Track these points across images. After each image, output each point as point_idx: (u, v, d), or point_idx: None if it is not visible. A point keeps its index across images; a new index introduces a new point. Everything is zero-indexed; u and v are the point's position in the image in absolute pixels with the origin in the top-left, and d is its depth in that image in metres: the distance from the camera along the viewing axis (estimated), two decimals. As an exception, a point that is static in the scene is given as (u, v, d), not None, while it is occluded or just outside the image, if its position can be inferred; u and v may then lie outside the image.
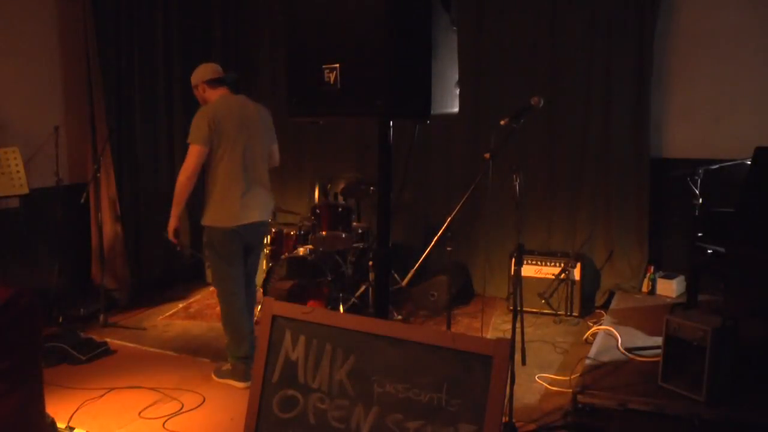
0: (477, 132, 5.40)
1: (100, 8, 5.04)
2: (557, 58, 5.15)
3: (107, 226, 5.14)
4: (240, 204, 3.71)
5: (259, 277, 5.25)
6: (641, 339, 3.94)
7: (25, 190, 4.44)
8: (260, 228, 3.93)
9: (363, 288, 4.99)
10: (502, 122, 3.05)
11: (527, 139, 5.09)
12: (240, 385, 3.80)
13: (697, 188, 4.00)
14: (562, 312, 4.93)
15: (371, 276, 4.81)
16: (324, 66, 2.24)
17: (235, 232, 3.72)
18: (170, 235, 3.79)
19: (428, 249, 3.28)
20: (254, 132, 3.81)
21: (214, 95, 3.80)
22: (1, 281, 1.36)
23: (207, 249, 3.83)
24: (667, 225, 5.06)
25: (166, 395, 3.64)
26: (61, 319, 4.65)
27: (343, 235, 4.71)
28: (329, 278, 4.60)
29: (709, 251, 3.75)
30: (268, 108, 4.01)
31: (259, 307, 4.70)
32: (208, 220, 3.74)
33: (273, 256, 5.07)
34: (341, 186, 5.13)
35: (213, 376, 3.92)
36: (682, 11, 4.90)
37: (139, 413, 3.43)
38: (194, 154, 3.64)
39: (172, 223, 3.76)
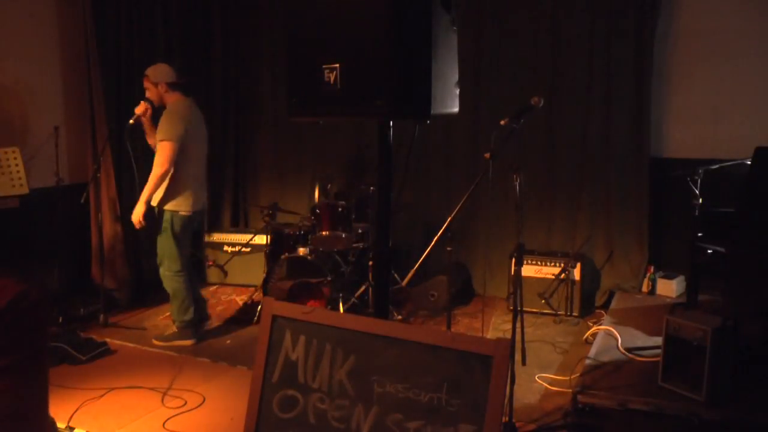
0: (477, 132, 5.40)
1: (100, 8, 5.04)
2: (557, 58, 5.15)
3: (107, 226, 5.14)
4: (197, 193, 4.35)
5: (259, 277, 5.27)
6: (641, 339, 3.94)
7: (25, 190, 4.43)
8: (203, 211, 4.69)
9: (363, 288, 4.99)
10: (502, 122, 3.05)
11: (527, 139, 5.09)
12: (188, 342, 4.37)
13: (697, 188, 4.00)
14: (562, 312, 4.93)
15: (371, 276, 4.81)
16: (324, 66, 2.24)
17: (191, 217, 4.33)
18: (137, 220, 4.20)
19: (428, 249, 3.28)
20: (205, 132, 4.47)
21: (172, 98, 4.25)
22: (15, 276, 1.38)
23: (164, 232, 4.30)
24: (667, 225, 5.06)
25: (166, 395, 3.64)
26: (61, 319, 4.64)
27: (343, 235, 4.70)
28: (329, 278, 4.60)
29: (709, 251, 3.75)
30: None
31: (260, 307, 4.70)
32: (171, 206, 4.25)
33: (273, 256, 5.07)
34: (341, 186, 5.13)
35: (155, 341, 4.40)
36: (682, 11, 4.90)
37: (139, 413, 3.44)
38: (171, 150, 4.11)
39: (141, 209, 4.18)
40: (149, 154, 4.44)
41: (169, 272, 4.34)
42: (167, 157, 4.11)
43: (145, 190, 4.17)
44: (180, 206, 4.27)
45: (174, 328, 4.47)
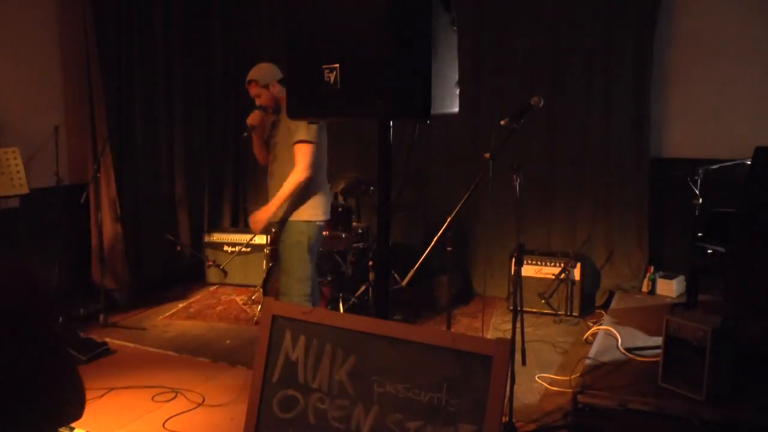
0: (477, 132, 5.40)
1: (100, 8, 5.04)
2: (557, 58, 5.15)
3: (107, 226, 5.14)
4: (329, 197, 3.77)
5: (259, 277, 5.27)
6: (641, 339, 3.94)
7: (25, 190, 4.43)
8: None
9: (363, 288, 4.99)
10: (502, 122, 3.05)
11: (527, 139, 5.09)
12: None
13: (697, 188, 4.00)
14: (562, 312, 4.93)
15: (371, 276, 4.81)
16: (324, 66, 2.24)
17: (323, 227, 3.73)
18: (259, 228, 3.63)
19: (428, 249, 3.27)
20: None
21: (284, 95, 3.55)
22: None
23: (296, 247, 3.60)
24: (667, 225, 5.06)
25: (166, 395, 3.64)
26: (61, 319, 4.64)
27: (343, 235, 4.70)
28: (329, 278, 4.60)
29: (709, 251, 3.75)
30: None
31: (259, 307, 4.70)
32: (306, 215, 3.61)
33: (273, 256, 5.07)
34: (341, 186, 5.13)
35: None
36: (682, 11, 4.90)
37: (139, 413, 3.44)
38: (312, 152, 3.55)
39: (265, 217, 3.59)
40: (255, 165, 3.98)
41: (298, 297, 3.58)
42: (310, 161, 3.52)
43: (279, 197, 3.54)
44: (317, 214, 3.63)
45: None
